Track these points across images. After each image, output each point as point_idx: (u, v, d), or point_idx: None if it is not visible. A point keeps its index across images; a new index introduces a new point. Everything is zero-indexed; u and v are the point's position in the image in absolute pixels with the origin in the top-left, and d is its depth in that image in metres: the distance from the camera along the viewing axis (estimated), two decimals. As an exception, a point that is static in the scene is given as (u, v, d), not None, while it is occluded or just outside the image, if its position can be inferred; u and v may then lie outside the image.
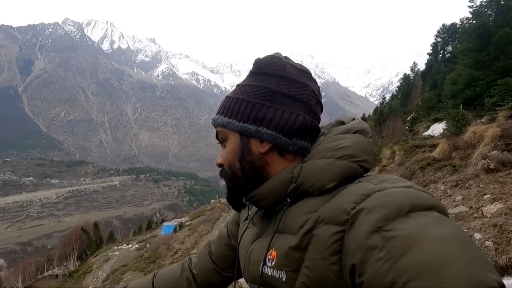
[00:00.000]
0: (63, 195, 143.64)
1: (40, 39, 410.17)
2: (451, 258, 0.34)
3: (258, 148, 0.57)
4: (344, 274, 0.43)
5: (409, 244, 0.36)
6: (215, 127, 0.62)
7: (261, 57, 0.61)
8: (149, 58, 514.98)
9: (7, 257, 77.40)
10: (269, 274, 0.52)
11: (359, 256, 0.40)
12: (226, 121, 0.59)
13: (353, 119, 0.62)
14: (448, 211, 3.79)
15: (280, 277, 0.50)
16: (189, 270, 0.79)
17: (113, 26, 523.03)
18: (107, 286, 16.92)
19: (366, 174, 0.53)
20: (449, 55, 21.22)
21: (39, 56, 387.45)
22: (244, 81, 0.62)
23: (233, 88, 0.64)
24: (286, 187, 0.54)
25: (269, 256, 0.53)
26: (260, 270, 0.53)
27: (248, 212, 0.70)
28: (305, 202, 0.52)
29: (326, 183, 0.50)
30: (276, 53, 0.61)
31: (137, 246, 25.12)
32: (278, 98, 0.57)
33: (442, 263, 0.34)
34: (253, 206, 0.64)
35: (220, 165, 0.61)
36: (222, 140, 0.61)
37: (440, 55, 22.93)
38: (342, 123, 0.62)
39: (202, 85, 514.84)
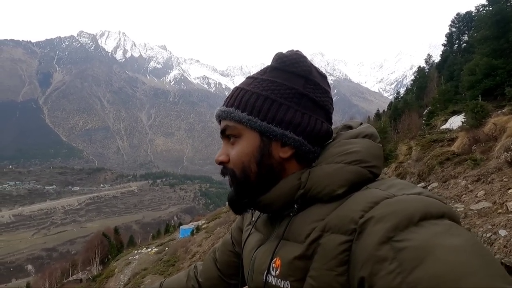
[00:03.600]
0: (84, 201, 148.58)
1: (57, 52, 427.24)
2: (467, 271, 0.32)
3: (278, 152, 0.54)
4: (352, 286, 0.41)
5: (421, 256, 0.34)
6: (222, 120, 0.57)
7: (284, 52, 0.57)
8: (161, 64, 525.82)
9: (34, 263, 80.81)
10: (273, 283, 0.50)
11: (368, 269, 0.38)
12: (245, 118, 0.53)
13: (361, 123, 0.60)
14: (470, 207, 3.68)
15: (285, 286, 0.48)
16: (195, 278, 0.78)
17: (125, 35, 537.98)
18: None
19: (377, 179, 0.51)
20: (465, 45, 20.50)
21: (57, 68, 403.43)
22: (262, 74, 0.57)
23: (246, 80, 0.59)
24: (293, 193, 0.52)
25: (273, 265, 0.51)
26: (264, 278, 0.52)
27: (252, 217, 0.68)
28: (313, 209, 0.50)
29: (335, 189, 0.48)
30: (297, 51, 0.58)
31: (156, 249, 25.61)
32: (304, 102, 0.54)
33: (457, 276, 0.32)
34: (256, 211, 0.62)
35: (221, 163, 0.56)
36: (232, 136, 0.55)
37: (456, 45, 22.20)
38: (350, 127, 0.60)
39: (214, 88, 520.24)
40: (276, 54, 0.57)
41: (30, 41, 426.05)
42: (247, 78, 0.58)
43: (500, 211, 3.35)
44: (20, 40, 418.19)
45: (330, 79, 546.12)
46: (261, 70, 0.58)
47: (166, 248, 24.20)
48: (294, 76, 0.55)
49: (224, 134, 0.56)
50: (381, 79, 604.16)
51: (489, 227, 3.03)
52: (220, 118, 0.57)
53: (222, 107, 0.57)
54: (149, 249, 26.60)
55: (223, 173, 0.57)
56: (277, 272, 0.50)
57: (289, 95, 0.54)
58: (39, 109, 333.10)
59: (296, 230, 0.50)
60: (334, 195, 0.48)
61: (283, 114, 0.53)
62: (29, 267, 78.80)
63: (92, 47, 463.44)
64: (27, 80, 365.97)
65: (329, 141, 0.57)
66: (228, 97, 0.57)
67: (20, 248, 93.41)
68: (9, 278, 68.09)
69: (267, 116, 0.53)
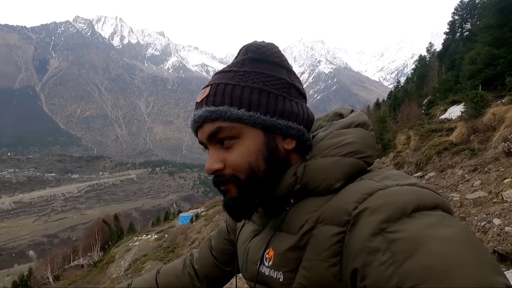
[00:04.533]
0: (84, 189, 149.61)
1: (53, 38, 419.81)
2: (458, 261, 0.32)
3: (283, 145, 0.52)
4: (344, 277, 0.41)
5: (413, 247, 0.34)
6: (208, 123, 0.50)
7: (258, 42, 0.54)
8: (159, 51, 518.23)
9: (36, 249, 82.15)
10: (266, 273, 0.50)
11: (361, 260, 0.38)
12: (246, 115, 0.49)
13: (352, 111, 0.59)
14: (466, 196, 3.72)
15: (278, 277, 0.48)
16: (191, 265, 0.79)
17: (123, 21, 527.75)
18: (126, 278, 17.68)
19: (369, 168, 0.51)
20: (467, 33, 20.22)
21: (53, 55, 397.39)
22: (241, 67, 0.52)
23: (221, 74, 0.53)
24: (290, 189, 0.51)
25: (267, 256, 0.51)
26: (257, 269, 0.52)
27: None
28: (308, 201, 0.50)
29: (333, 183, 0.47)
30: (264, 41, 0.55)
31: (156, 236, 25.94)
32: (293, 91, 0.53)
33: (448, 266, 0.32)
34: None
35: (216, 171, 0.50)
36: (228, 138, 0.49)
37: (458, 34, 21.90)
38: (341, 115, 0.58)
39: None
40: (250, 45, 0.53)
41: (25, 26, 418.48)
42: (220, 72, 0.53)
43: (495, 200, 3.39)
44: (15, 25, 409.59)
45: (330, 68, 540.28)
46: (235, 62, 0.54)
47: (166, 235, 24.52)
48: (277, 67, 0.53)
49: (214, 138, 0.50)
50: (382, 68, 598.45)
51: (484, 216, 3.07)
52: (206, 120, 0.50)
53: (209, 108, 0.49)
54: (149, 236, 26.94)
55: (220, 183, 0.51)
56: (270, 262, 0.50)
57: (280, 85, 0.51)
58: (36, 96, 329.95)
59: (290, 222, 0.50)
60: (332, 189, 0.47)
61: (282, 105, 0.51)
62: (31, 252, 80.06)
63: (89, 33, 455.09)
64: (23, 66, 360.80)
65: (320, 131, 0.56)
66: (208, 95, 0.51)
67: (22, 234, 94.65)
68: (11, 263, 69.32)
69: (268, 110, 0.50)
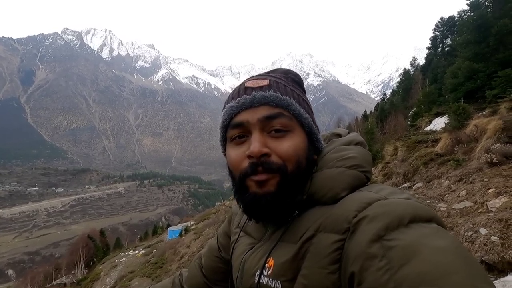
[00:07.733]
0: (68, 203, 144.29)
1: (40, 49, 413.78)
2: (451, 270, 0.34)
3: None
4: (343, 282, 0.42)
5: (409, 255, 0.36)
6: (270, 106, 0.53)
7: (293, 71, 0.61)
8: (149, 64, 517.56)
9: (15, 267, 77.97)
10: (264, 283, 0.51)
11: (359, 264, 0.39)
12: (305, 115, 0.55)
13: (349, 132, 0.64)
14: (453, 207, 3.78)
15: (276, 286, 0.49)
16: (180, 285, 0.78)
17: (112, 33, 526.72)
18: None
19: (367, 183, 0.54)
20: (448, 48, 21.10)
21: (40, 66, 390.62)
22: (286, 81, 0.57)
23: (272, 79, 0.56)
24: (297, 200, 0.53)
25: (267, 265, 0.52)
26: (257, 278, 0.53)
27: (240, 220, 0.69)
28: (311, 212, 0.51)
29: (339, 192, 0.49)
30: None
31: (143, 251, 25.18)
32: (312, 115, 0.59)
33: (441, 274, 0.34)
34: (244, 214, 0.62)
35: (264, 155, 0.51)
36: (283, 128, 0.52)
37: (440, 49, 22.82)
38: (339, 135, 0.63)
39: (203, 88, 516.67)
40: (290, 70, 0.61)
41: (11, 37, 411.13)
42: (268, 75, 0.57)
43: (480, 210, 3.47)
44: (0, 36, 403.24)
45: (318, 80, 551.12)
46: (279, 74, 0.59)
47: (154, 250, 23.82)
48: (305, 93, 0.61)
49: (267, 123, 0.52)
50: (369, 81, 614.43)
51: (471, 225, 3.12)
52: (269, 103, 0.52)
53: (274, 93, 0.53)
54: (136, 251, 26.13)
55: (266, 170, 0.51)
56: (269, 272, 0.51)
57: (310, 107, 0.59)
58: (20, 108, 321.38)
59: (292, 232, 0.51)
60: (338, 198, 0.49)
61: (314, 120, 0.58)
62: (10, 271, 75.94)
63: (77, 45, 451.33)
64: (8, 78, 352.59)
65: (323, 146, 0.60)
66: (270, 84, 0.54)
67: (0, 252, 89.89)
68: (-12, 283, 65.44)
69: (313, 120, 0.56)
